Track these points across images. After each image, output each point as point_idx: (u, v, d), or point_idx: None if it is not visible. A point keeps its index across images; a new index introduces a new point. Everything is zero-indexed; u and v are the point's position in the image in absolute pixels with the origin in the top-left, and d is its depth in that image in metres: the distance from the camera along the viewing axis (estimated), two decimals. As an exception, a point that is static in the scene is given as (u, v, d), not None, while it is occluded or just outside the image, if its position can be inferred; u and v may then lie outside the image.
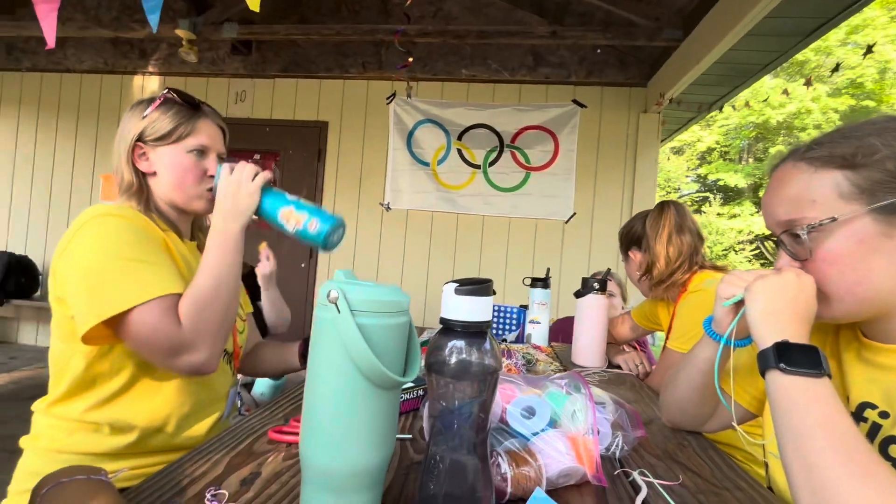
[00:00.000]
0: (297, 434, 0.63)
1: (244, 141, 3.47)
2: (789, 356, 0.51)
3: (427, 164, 3.37)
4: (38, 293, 3.63)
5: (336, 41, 3.35)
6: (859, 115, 10.12)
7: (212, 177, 0.82)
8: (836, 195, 0.54)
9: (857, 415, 0.58)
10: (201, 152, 0.81)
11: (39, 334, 3.84)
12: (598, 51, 3.18)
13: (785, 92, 7.94)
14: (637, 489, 0.57)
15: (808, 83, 3.43)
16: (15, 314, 3.64)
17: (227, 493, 0.49)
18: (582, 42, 2.91)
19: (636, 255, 1.29)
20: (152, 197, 0.81)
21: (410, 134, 3.39)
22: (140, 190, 0.80)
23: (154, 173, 0.80)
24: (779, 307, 0.56)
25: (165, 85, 3.65)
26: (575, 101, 3.26)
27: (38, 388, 3.13)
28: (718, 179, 13.11)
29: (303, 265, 3.49)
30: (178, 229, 0.83)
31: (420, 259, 3.42)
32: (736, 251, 12.66)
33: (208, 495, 0.48)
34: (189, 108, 0.81)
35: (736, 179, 12.67)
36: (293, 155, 3.56)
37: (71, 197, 3.77)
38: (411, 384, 0.81)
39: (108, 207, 0.73)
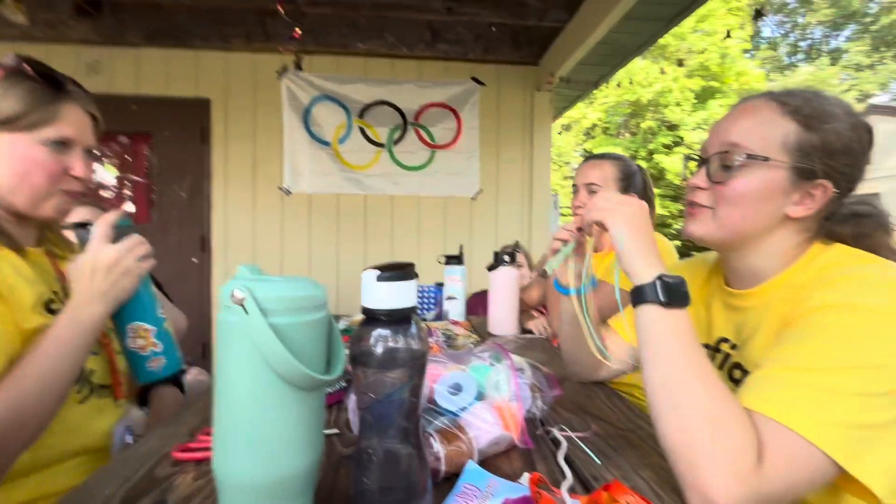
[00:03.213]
0: (207, 449, 0.57)
1: (105, 120, 2.96)
2: (668, 291, 0.55)
3: (328, 144, 3.19)
4: None
5: (211, 7, 2.98)
6: (708, 92, 11.74)
7: (73, 177, 0.68)
8: (780, 142, 0.60)
9: (716, 347, 0.70)
10: (62, 145, 0.65)
11: None
12: (494, 28, 3.24)
13: (662, 71, 8.97)
14: (558, 445, 0.61)
15: (680, 63, 3.87)
16: None
17: (126, 532, 0.42)
18: (477, 19, 2.94)
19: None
20: None
21: (307, 111, 3.17)
22: None
23: None
24: (643, 236, 0.61)
25: (-15, 51, 2.95)
26: (474, 79, 3.31)
27: None
28: (602, 153, 14.50)
29: (194, 259, 3.14)
30: (12, 240, 0.66)
31: (328, 245, 3.27)
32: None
33: (102, 539, 0.41)
34: (49, 86, 0.64)
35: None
36: (169, 136, 3.13)
37: None
38: (333, 376, 0.77)
39: None
